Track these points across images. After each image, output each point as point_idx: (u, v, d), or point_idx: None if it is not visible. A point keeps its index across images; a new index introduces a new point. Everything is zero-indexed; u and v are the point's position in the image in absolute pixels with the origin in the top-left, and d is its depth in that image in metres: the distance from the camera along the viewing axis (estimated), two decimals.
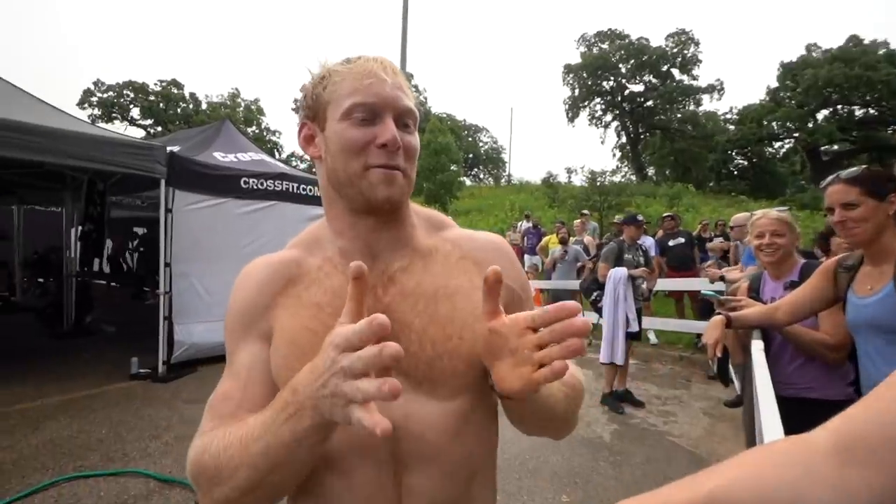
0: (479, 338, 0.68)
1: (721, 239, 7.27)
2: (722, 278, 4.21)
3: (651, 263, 4.72)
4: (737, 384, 3.84)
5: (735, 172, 29.23)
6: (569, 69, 34.01)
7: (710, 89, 31.76)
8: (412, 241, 0.75)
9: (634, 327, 4.37)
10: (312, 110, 0.72)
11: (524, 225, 12.25)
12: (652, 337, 6.93)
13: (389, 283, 0.71)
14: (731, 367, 3.47)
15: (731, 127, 29.70)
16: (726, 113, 31.76)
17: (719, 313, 1.95)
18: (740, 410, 3.36)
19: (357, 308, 0.56)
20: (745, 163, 28.99)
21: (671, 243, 7.03)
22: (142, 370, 4.86)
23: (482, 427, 0.74)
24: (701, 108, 32.48)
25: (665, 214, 7.89)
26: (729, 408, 4.17)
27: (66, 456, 3.17)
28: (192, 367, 5.08)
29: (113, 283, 9.88)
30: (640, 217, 4.67)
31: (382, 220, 0.71)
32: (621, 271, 4.38)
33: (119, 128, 32.10)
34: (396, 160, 0.67)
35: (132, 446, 3.34)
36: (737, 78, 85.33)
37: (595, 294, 4.70)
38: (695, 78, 32.30)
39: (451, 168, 22.49)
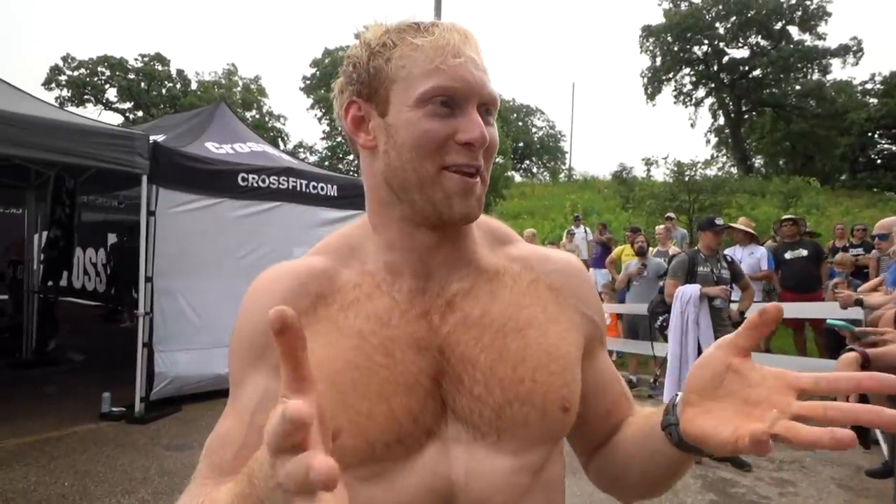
0: (555, 381, 0.71)
1: (862, 251, 6.97)
2: (859, 303, 4.12)
3: (742, 278, 4.76)
4: (883, 447, 3.66)
5: (878, 161, 28.04)
6: (648, 32, 33.64)
7: (843, 51, 30.70)
8: (474, 259, 0.77)
9: None
10: (368, 87, 0.73)
11: (577, 231, 11.97)
12: None
13: (448, 308, 0.73)
14: None
15: (873, 101, 28.59)
16: (866, 82, 30.57)
17: (852, 349, 1.90)
18: (889, 483, 3.19)
19: (295, 374, 0.44)
20: (894, 148, 27.78)
21: (789, 255, 6.85)
22: (115, 408, 5.04)
23: (553, 489, 0.75)
24: (829, 77, 31.47)
25: (784, 217, 7.75)
26: (873, 478, 3.98)
27: None
28: (176, 405, 5.26)
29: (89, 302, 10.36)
30: (718, 220, 4.72)
31: (445, 236, 0.73)
32: (691, 289, 4.44)
33: (92, 112, 34.04)
34: (478, 160, 0.70)
35: (101, 503, 3.46)
36: (880, 35, 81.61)
37: (662, 318, 4.76)
38: (821, 37, 31.28)
39: (497, 160, 22.55)
